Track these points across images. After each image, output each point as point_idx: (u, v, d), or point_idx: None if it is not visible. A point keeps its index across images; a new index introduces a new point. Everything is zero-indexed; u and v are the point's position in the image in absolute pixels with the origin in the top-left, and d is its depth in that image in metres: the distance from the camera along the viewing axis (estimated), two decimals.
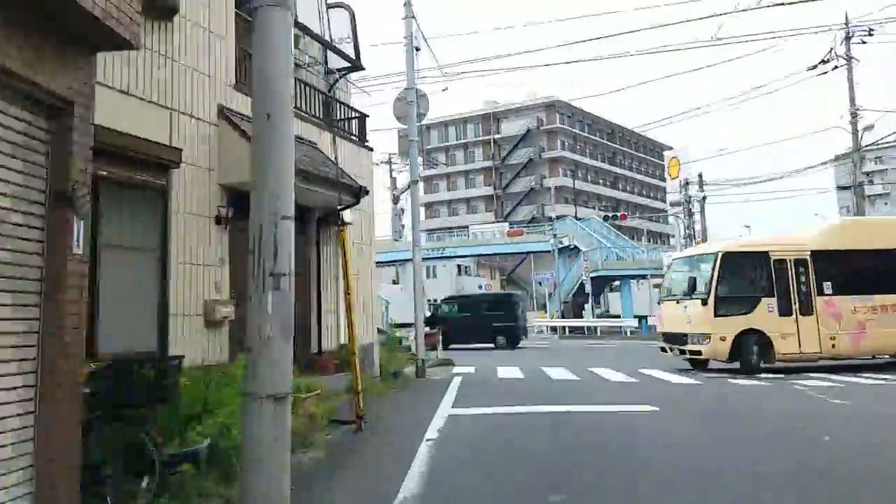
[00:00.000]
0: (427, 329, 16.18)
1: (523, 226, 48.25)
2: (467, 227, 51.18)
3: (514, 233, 42.11)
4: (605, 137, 76.64)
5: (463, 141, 75.36)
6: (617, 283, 42.29)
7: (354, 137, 11.17)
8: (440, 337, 15.82)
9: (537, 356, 18.37)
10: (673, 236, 71.79)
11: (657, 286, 39.08)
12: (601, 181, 74.82)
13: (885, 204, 79.74)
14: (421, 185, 52.60)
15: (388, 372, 10.64)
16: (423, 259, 52.02)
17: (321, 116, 10.39)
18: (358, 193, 9.30)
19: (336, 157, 10.05)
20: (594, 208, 64.25)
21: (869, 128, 25.26)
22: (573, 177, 60.82)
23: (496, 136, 72.11)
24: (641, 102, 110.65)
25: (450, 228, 52.41)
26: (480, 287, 56.06)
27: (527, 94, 74.12)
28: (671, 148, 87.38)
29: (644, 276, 34.24)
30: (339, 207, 9.53)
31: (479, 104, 76.20)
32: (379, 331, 15.36)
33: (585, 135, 73.54)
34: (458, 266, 56.50)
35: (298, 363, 9.03)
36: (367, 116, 11.56)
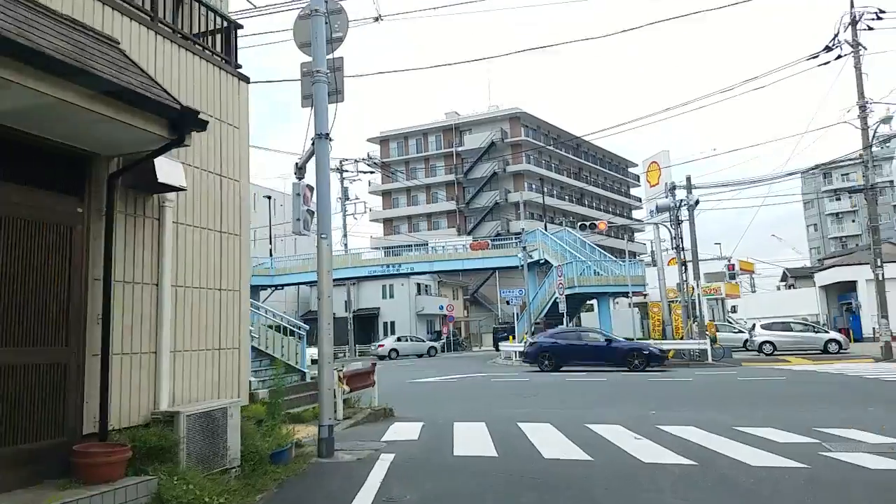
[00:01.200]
0: (359, 366, 11.66)
1: (488, 240, 44.02)
2: (426, 243, 46.76)
3: (478, 245, 37.91)
4: (570, 152, 73.67)
5: (424, 154, 71.52)
6: (591, 301, 38.41)
7: (217, 56, 6.72)
8: (374, 378, 11.24)
9: (510, 397, 13.97)
10: (640, 254, 68.81)
11: (637, 305, 35.30)
12: (566, 197, 71.73)
13: (853, 221, 78.44)
14: (380, 199, 47.80)
15: (264, 453, 6.08)
16: (378, 277, 47.55)
17: (147, 8, 5.95)
18: (180, 122, 4.81)
19: (162, 74, 5.64)
20: (560, 224, 60.75)
21: (887, 119, 21.78)
22: (540, 191, 57.24)
23: (459, 149, 68.47)
24: (614, 100, 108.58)
25: (409, 246, 47.96)
26: (441, 308, 51.59)
27: (489, 106, 71.01)
28: (636, 164, 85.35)
29: (625, 294, 30.35)
30: (152, 150, 5.08)
31: (440, 115, 72.75)
32: (272, 360, 10.79)
33: (551, 148, 70.39)
34: (419, 285, 51.95)
35: (34, 461, 4.45)
36: (240, 27, 7.13)
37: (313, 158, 7.82)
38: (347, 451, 7.14)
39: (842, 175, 78.79)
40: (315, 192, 7.32)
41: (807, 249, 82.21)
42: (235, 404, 5.85)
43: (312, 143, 7.35)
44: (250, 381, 8.54)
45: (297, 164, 8.12)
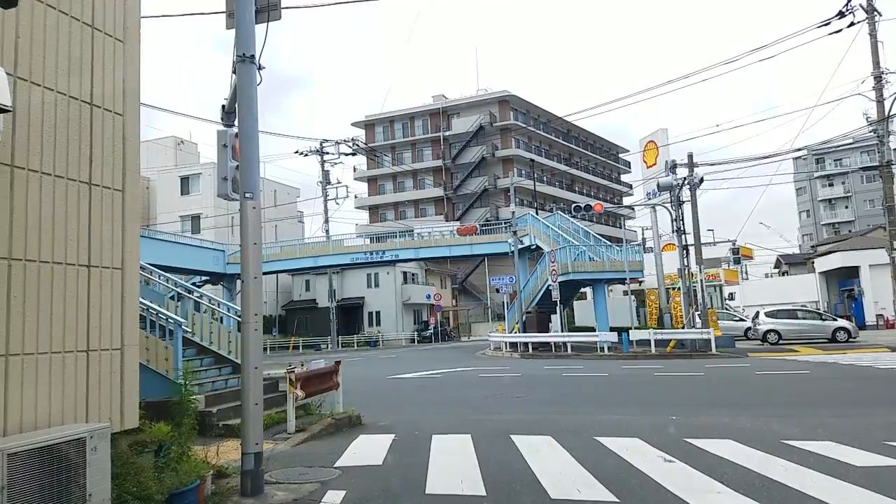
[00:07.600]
0: (322, 363, 9.79)
1: (476, 224, 42.04)
2: (412, 230, 44.69)
3: (466, 230, 36.04)
4: (560, 137, 71.84)
5: (411, 139, 69.35)
6: (584, 289, 36.75)
7: None
8: (339, 379, 9.37)
9: (500, 398, 12.19)
10: (631, 241, 67.22)
11: (633, 293, 33.60)
12: (557, 183, 69.86)
13: (846, 207, 77.22)
14: (365, 186, 45.30)
15: (157, 497, 4.25)
16: (362, 265, 45.50)
17: None
18: None
19: None
20: (551, 211, 59.10)
21: None
22: (530, 178, 55.29)
23: (446, 134, 66.39)
24: (611, 81, 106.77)
25: (394, 234, 45.75)
26: (429, 297, 49.74)
27: (478, 89, 68.94)
28: (627, 150, 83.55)
29: (622, 280, 28.66)
30: None
31: (428, 99, 70.52)
32: (217, 358, 8.94)
33: (541, 133, 68.52)
34: (405, 273, 50.00)
35: None
36: None
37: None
38: (284, 486, 5.31)
39: (834, 161, 77.62)
40: (238, 137, 5.43)
41: (796, 237, 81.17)
42: (101, 432, 3.99)
43: (234, 71, 5.45)
44: (188, 386, 6.71)
45: (223, 106, 6.22)
